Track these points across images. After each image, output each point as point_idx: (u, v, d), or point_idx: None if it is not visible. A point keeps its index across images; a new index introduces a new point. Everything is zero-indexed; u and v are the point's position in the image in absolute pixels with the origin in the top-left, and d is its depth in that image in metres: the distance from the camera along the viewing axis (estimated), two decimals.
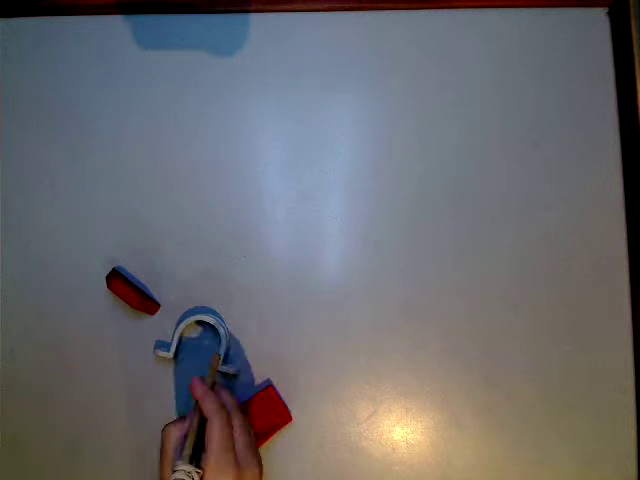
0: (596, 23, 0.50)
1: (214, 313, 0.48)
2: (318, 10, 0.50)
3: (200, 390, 0.39)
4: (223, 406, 0.39)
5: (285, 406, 0.46)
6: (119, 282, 0.45)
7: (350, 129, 0.49)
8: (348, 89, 0.50)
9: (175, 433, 0.38)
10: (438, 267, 0.48)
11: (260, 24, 0.50)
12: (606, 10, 0.50)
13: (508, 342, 0.47)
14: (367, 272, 0.48)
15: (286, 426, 0.46)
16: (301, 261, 0.48)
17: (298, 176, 0.49)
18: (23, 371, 0.47)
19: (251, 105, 0.50)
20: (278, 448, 0.46)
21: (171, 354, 0.46)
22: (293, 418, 0.46)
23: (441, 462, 0.46)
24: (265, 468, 0.45)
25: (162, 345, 0.47)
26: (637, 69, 0.48)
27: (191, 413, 0.39)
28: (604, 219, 0.48)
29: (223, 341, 0.46)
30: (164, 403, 0.47)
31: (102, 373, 0.47)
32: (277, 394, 0.46)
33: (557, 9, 0.50)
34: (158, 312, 0.48)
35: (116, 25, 0.50)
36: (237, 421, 0.39)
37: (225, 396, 0.41)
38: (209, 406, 0.38)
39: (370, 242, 0.48)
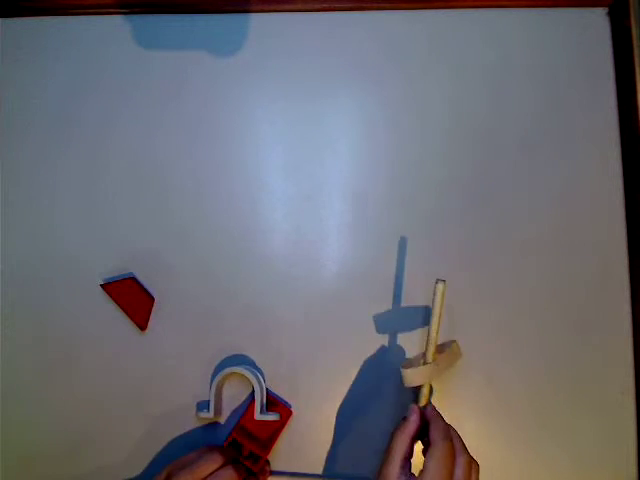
0: (596, 23, 0.50)
1: (248, 361, 0.47)
2: (318, 10, 0.50)
3: (434, 411, 0.39)
4: (450, 438, 0.37)
5: (282, 402, 0.46)
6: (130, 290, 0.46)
7: (350, 129, 0.49)
8: (348, 88, 0.50)
9: (404, 439, 0.38)
10: (437, 267, 0.48)
11: (260, 24, 0.50)
12: (606, 10, 0.50)
13: (508, 342, 0.47)
14: (367, 272, 0.48)
15: (289, 421, 0.46)
16: (301, 261, 0.48)
17: (298, 176, 0.49)
18: (23, 371, 0.47)
19: (251, 105, 0.50)
20: (279, 447, 0.46)
21: (211, 414, 0.44)
22: (293, 411, 0.46)
23: None
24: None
25: (203, 406, 0.46)
26: (637, 69, 0.48)
27: (414, 416, 0.39)
28: (604, 219, 0.48)
29: (258, 397, 0.44)
30: (164, 403, 0.47)
31: (102, 373, 0.47)
32: (271, 395, 0.46)
33: (557, 9, 0.50)
34: (154, 311, 0.48)
35: (115, 25, 0.50)
36: (462, 459, 0.37)
37: (454, 432, 0.39)
38: (437, 431, 0.37)
39: (370, 242, 0.48)
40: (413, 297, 0.48)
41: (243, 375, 0.45)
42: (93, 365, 0.47)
